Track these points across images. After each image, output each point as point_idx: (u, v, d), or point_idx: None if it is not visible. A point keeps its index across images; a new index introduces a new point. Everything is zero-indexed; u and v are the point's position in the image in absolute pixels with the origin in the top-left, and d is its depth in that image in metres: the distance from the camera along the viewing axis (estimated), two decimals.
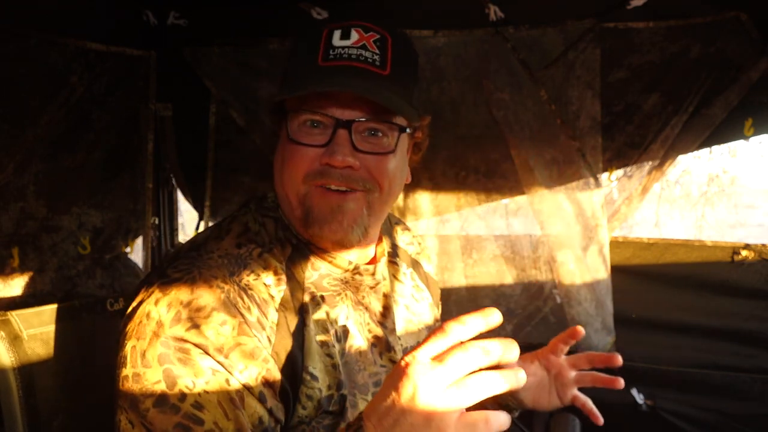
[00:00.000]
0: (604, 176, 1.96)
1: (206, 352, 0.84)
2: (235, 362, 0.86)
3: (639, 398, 1.97)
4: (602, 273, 1.95)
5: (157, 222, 2.29)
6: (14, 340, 1.13)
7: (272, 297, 0.93)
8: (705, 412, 1.91)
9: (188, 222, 4.33)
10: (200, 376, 0.83)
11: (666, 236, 2.25)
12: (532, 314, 2.09)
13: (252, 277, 0.92)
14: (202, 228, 2.33)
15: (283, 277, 0.95)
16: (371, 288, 1.07)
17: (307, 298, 0.97)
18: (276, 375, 0.90)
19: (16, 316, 1.16)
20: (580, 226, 1.96)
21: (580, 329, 1.13)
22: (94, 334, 1.25)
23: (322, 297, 0.99)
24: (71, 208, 1.98)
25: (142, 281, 0.95)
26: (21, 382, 1.11)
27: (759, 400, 1.85)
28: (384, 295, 1.09)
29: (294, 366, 0.92)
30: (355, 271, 1.04)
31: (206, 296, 0.87)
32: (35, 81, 1.76)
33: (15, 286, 1.82)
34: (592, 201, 1.94)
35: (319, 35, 0.97)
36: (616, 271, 1.97)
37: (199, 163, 2.25)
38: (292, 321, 0.94)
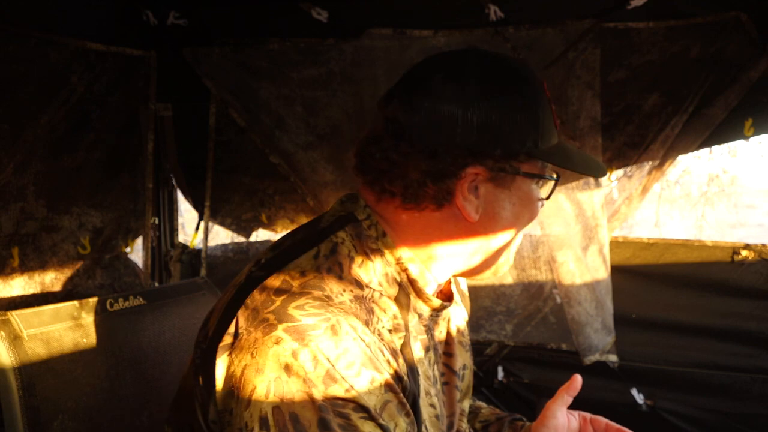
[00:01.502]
0: (604, 176, 1.96)
1: (366, 414, 0.78)
2: (389, 420, 0.81)
3: (639, 398, 1.97)
4: (602, 273, 1.95)
5: (157, 222, 2.29)
6: (14, 340, 1.13)
7: (397, 346, 0.87)
8: (705, 412, 1.91)
9: (188, 222, 4.34)
10: None
11: (666, 236, 2.25)
12: (533, 314, 2.09)
13: (381, 324, 0.86)
14: (202, 228, 2.33)
15: (401, 322, 0.90)
16: (443, 320, 1.05)
17: (413, 342, 0.92)
18: (414, 428, 0.86)
19: (16, 316, 1.16)
20: (580, 226, 1.96)
21: (578, 379, 1.10)
22: (94, 334, 1.25)
23: (421, 341, 0.95)
24: (71, 208, 1.98)
25: (249, 315, 0.84)
26: (21, 382, 1.10)
27: (759, 400, 1.86)
28: (449, 321, 1.07)
29: (414, 414, 0.88)
30: (442, 308, 0.99)
31: (352, 351, 0.79)
32: (35, 81, 1.76)
33: (15, 286, 1.82)
34: (592, 201, 1.94)
35: (543, 89, 0.93)
36: (616, 271, 1.97)
37: (199, 163, 2.25)
38: (411, 371, 0.89)
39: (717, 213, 7.30)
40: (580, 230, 1.96)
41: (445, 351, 1.04)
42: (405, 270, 0.93)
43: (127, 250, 2.23)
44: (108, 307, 1.30)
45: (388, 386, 0.81)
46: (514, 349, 2.10)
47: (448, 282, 1.07)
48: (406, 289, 0.94)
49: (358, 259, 0.90)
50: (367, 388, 0.79)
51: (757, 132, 1.80)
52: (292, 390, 0.77)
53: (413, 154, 0.89)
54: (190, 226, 2.55)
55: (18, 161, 1.77)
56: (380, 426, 0.79)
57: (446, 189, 0.90)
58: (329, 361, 0.78)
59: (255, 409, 0.78)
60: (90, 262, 2.06)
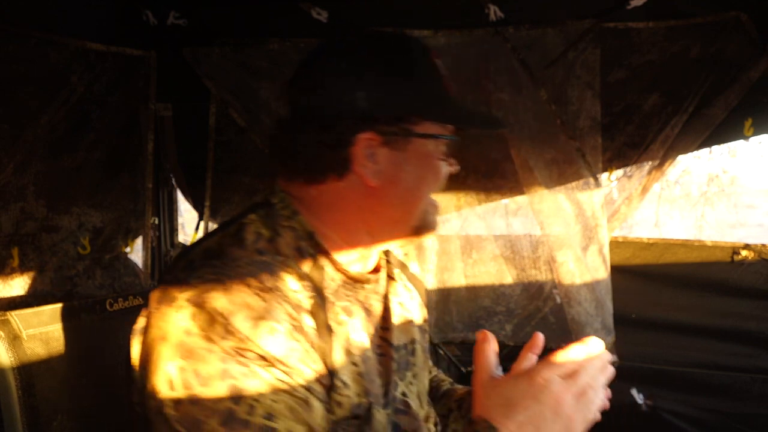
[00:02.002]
0: (603, 176, 1.96)
1: (266, 362, 0.82)
2: (294, 367, 0.84)
3: (639, 398, 1.97)
4: (602, 273, 1.95)
5: (157, 222, 2.29)
6: (14, 340, 1.13)
7: (302, 303, 0.91)
8: (705, 412, 1.91)
9: (188, 222, 4.34)
10: (266, 387, 0.81)
11: (666, 236, 2.25)
12: (532, 314, 2.09)
13: (283, 283, 0.90)
14: (202, 228, 2.33)
15: (308, 284, 0.94)
16: (376, 293, 1.08)
17: (329, 306, 0.97)
18: (325, 376, 0.90)
19: (15, 316, 1.16)
20: (579, 226, 1.96)
21: (540, 337, 1.08)
22: (93, 334, 1.25)
23: (342, 307, 0.99)
24: (71, 208, 1.98)
25: (157, 294, 0.90)
26: (20, 382, 1.10)
27: (759, 400, 1.85)
28: (384, 297, 1.10)
29: (326, 371, 0.92)
30: (366, 281, 1.05)
31: (248, 305, 0.84)
32: (35, 81, 1.76)
33: (15, 286, 1.82)
34: (592, 201, 1.94)
35: (431, 59, 1.02)
36: (616, 271, 1.97)
37: (199, 163, 2.25)
38: (321, 328, 0.92)
39: (717, 213, 7.30)
40: (579, 230, 1.96)
41: (382, 326, 1.08)
42: (319, 243, 0.99)
43: (127, 250, 2.23)
44: (108, 307, 1.30)
45: (290, 335, 0.85)
46: (514, 349, 2.09)
47: (380, 258, 1.13)
48: (320, 260, 0.99)
49: (266, 235, 0.96)
50: (266, 339, 0.83)
51: (757, 132, 1.80)
52: (193, 348, 0.82)
53: (310, 129, 0.97)
54: (190, 226, 2.55)
55: (18, 161, 1.77)
56: (282, 371, 0.83)
57: (343, 157, 0.96)
58: (225, 317, 0.82)
59: (162, 374, 0.83)
60: (90, 262, 2.06)
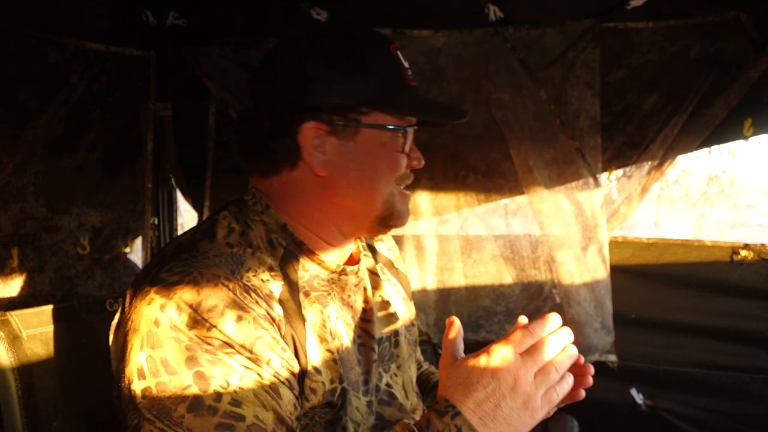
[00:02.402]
0: (603, 176, 1.96)
1: (232, 350, 0.84)
2: (261, 354, 0.86)
3: (638, 398, 1.97)
4: (602, 273, 1.95)
5: (156, 222, 2.29)
6: (13, 340, 1.12)
7: (272, 292, 0.94)
8: (704, 412, 1.91)
9: (188, 222, 4.34)
10: (232, 373, 0.83)
11: (665, 236, 2.25)
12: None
13: (251, 273, 0.92)
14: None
15: (279, 273, 0.97)
16: (355, 286, 1.10)
17: (302, 296, 0.99)
18: (294, 364, 0.92)
19: (15, 317, 1.16)
20: (579, 226, 1.96)
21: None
22: (93, 334, 1.25)
23: (317, 296, 1.01)
24: (71, 208, 1.98)
25: (131, 289, 0.93)
26: (20, 382, 1.10)
27: (758, 400, 1.86)
28: (364, 289, 1.13)
29: (298, 359, 0.94)
30: (342, 272, 1.07)
31: (213, 295, 0.86)
32: (35, 81, 1.76)
33: (14, 286, 1.82)
34: (592, 201, 1.94)
35: (389, 52, 1.03)
36: (616, 271, 1.97)
37: (199, 163, 2.25)
38: (293, 316, 0.95)
39: (716, 213, 7.30)
40: (579, 230, 1.96)
41: (362, 317, 1.09)
42: (291, 235, 1.02)
43: (127, 250, 2.23)
44: (108, 307, 1.30)
45: (256, 323, 0.87)
46: None
47: (358, 251, 1.16)
48: (294, 251, 1.02)
49: (238, 230, 1.00)
50: (232, 327, 0.85)
51: (757, 132, 1.80)
52: (161, 338, 0.84)
53: (262, 121, 1.00)
54: (190, 226, 2.55)
55: (17, 161, 1.76)
56: (248, 358, 0.85)
57: (292, 147, 0.99)
58: (191, 307, 0.85)
59: (133, 364, 0.85)
60: (89, 263, 2.05)
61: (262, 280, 0.93)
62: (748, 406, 1.86)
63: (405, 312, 1.24)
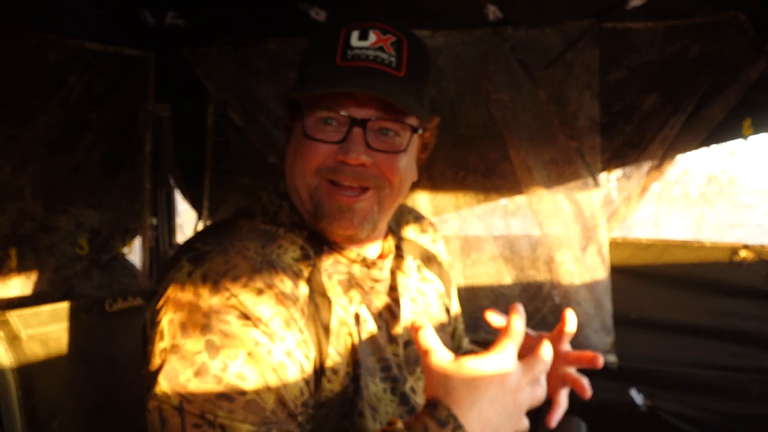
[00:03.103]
0: (602, 176, 1.96)
1: (249, 322, 0.85)
2: (275, 331, 0.87)
3: (638, 398, 1.97)
4: (601, 273, 1.95)
5: (155, 222, 2.28)
6: (13, 340, 1.12)
7: (301, 271, 0.95)
8: (704, 413, 1.91)
9: (187, 222, 4.33)
10: (243, 347, 0.84)
11: (665, 236, 2.25)
12: (531, 314, 2.09)
13: (282, 250, 0.94)
14: (200, 229, 2.33)
15: (311, 252, 0.99)
16: (376, 281, 1.09)
17: (326, 278, 1.00)
18: (311, 346, 0.92)
19: (14, 317, 1.16)
20: (578, 227, 1.96)
21: (571, 316, 1.10)
22: (92, 334, 1.25)
23: (339, 280, 1.02)
24: (69, 209, 1.98)
25: (171, 260, 0.95)
26: (20, 382, 1.10)
27: (757, 400, 1.85)
28: (390, 288, 1.12)
29: (320, 340, 0.94)
30: (363, 263, 1.06)
31: (241, 266, 0.88)
32: (33, 81, 1.76)
33: (13, 286, 1.82)
34: (591, 201, 1.94)
35: (337, 35, 0.99)
36: (615, 271, 1.97)
37: (198, 164, 2.25)
38: (318, 297, 0.96)
39: (716, 213, 7.31)
40: (578, 231, 1.96)
41: (386, 314, 1.09)
42: (309, 224, 1.03)
43: (125, 250, 2.22)
44: (106, 307, 1.30)
45: (278, 300, 0.88)
46: None
47: (390, 249, 1.13)
48: (316, 237, 1.03)
49: (272, 210, 1.03)
50: (253, 299, 0.86)
51: (756, 132, 1.80)
52: (183, 302, 0.86)
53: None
54: (189, 227, 2.55)
55: (16, 161, 1.76)
56: (263, 332, 0.86)
57: (287, 137, 1.05)
58: (217, 275, 0.87)
59: (157, 328, 0.87)
60: (88, 263, 2.05)
61: (292, 259, 0.95)
62: (747, 407, 1.86)
63: (440, 311, 1.21)
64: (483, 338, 2.11)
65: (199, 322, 0.84)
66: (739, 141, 1.86)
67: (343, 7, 1.90)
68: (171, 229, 2.37)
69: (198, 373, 0.82)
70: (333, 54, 0.97)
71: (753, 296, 1.86)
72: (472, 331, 2.12)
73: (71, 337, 1.22)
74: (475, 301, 2.14)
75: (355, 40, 0.99)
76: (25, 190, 1.81)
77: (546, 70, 1.89)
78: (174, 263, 0.92)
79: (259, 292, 0.87)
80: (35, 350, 1.15)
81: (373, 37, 0.99)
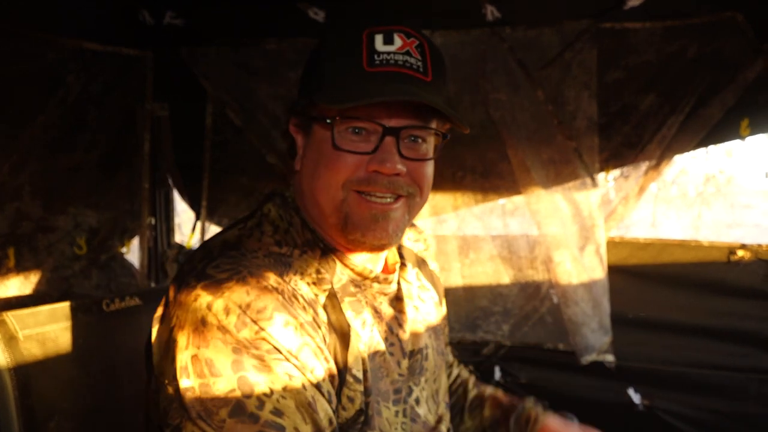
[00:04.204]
0: (600, 176, 1.96)
1: (280, 355, 0.82)
2: (306, 363, 0.84)
3: (636, 398, 1.97)
4: (599, 273, 1.95)
5: (153, 222, 2.28)
6: (10, 340, 1.12)
7: (317, 296, 0.92)
8: (701, 412, 1.91)
9: (185, 222, 4.33)
10: (277, 382, 0.81)
11: (663, 236, 2.25)
12: (529, 314, 2.09)
13: (298, 276, 0.90)
14: (198, 228, 2.33)
15: (326, 276, 0.95)
16: (385, 294, 1.06)
17: (338, 301, 0.97)
18: (335, 375, 0.90)
19: (11, 317, 1.16)
20: (576, 226, 1.96)
21: None
22: (90, 334, 1.25)
23: (350, 302, 0.99)
24: (67, 209, 1.97)
25: (176, 283, 0.90)
26: (17, 382, 1.10)
27: (755, 400, 1.86)
28: (397, 299, 1.09)
29: (339, 366, 0.92)
30: (374, 279, 1.03)
31: (263, 298, 0.84)
32: (31, 80, 1.76)
33: (11, 286, 1.82)
34: (589, 201, 1.94)
35: (358, 38, 0.94)
36: (613, 271, 1.97)
37: (196, 163, 2.25)
38: (336, 321, 0.93)
39: (713, 213, 7.32)
40: (576, 230, 1.96)
41: (394, 330, 1.06)
42: (322, 239, 0.99)
43: (124, 250, 2.22)
44: (104, 307, 1.29)
45: (303, 330, 0.85)
46: (511, 350, 2.10)
47: (395, 260, 1.11)
48: (329, 254, 0.99)
49: (282, 227, 0.98)
50: (281, 332, 0.83)
51: (754, 132, 1.80)
52: (207, 338, 0.82)
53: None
54: (187, 227, 2.55)
55: (14, 161, 1.76)
56: (294, 366, 0.83)
57: (289, 143, 1.01)
58: (240, 308, 0.82)
59: (178, 362, 0.84)
60: (86, 263, 2.05)
61: (308, 284, 0.91)
62: (745, 406, 1.87)
63: (436, 318, 1.19)
64: (481, 338, 2.11)
65: (229, 358, 0.81)
66: (736, 141, 1.86)
67: (342, 7, 1.90)
68: (169, 228, 2.37)
69: (233, 413, 0.79)
70: (358, 59, 0.92)
71: (750, 296, 1.87)
72: (469, 331, 2.12)
73: (69, 337, 1.22)
74: (474, 300, 2.14)
75: (380, 44, 0.94)
76: (23, 189, 1.81)
77: (544, 70, 1.89)
78: (186, 290, 0.86)
79: (286, 323, 0.84)
80: (32, 350, 1.15)
81: (398, 41, 0.95)
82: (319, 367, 0.86)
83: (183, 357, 0.83)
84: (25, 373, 1.12)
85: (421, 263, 1.23)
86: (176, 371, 0.84)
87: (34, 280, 1.88)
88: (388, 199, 0.95)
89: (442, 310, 1.25)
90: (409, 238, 1.24)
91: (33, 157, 1.81)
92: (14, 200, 1.79)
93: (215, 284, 0.85)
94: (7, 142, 1.73)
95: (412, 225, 1.29)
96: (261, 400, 0.80)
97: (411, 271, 1.17)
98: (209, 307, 0.83)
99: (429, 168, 0.99)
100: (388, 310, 1.06)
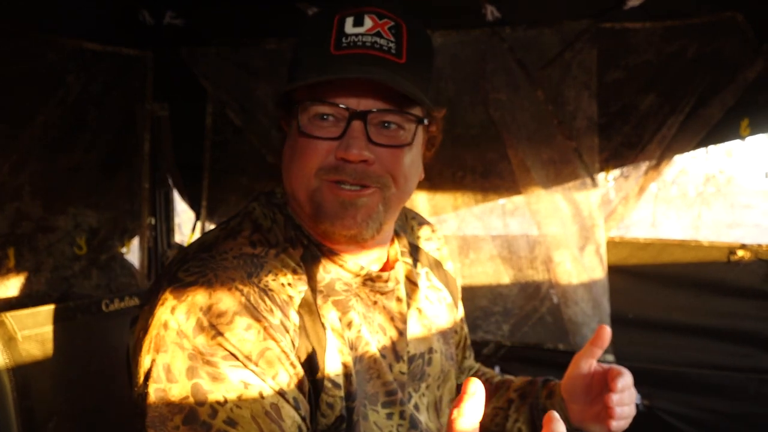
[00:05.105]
0: (600, 176, 1.96)
1: (237, 362, 0.79)
2: (265, 369, 0.81)
3: (636, 398, 1.97)
4: (599, 273, 1.95)
5: (153, 222, 2.28)
6: (9, 341, 1.12)
7: (291, 298, 0.88)
8: (702, 412, 1.91)
9: (185, 222, 4.33)
10: (231, 390, 0.78)
11: (663, 236, 2.26)
12: (529, 314, 2.09)
13: (270, 277, 0.87)
14: (198, 228, 2.33)
15: (304, 277, 0.91)
16: (382, 294, 1.01)
17: (320, 301, 0.92)
18: (304, 380, 0.86)
19: (11, 317, 1.15)
20: (576, 226, 1.96)
21: (606, 330, 1.10)
22: (89, 335, 1.25)
23: (336, 301, 0.94)
24: (67, 209, 1.97)
25: (153, 287, 0.89)
26: (16, 383, 1.10)
27: (755, 400, 1.86)
28: (397, 299, 1.03)
29: (314, 371, 0.88)
30: (367, 276, 0.98)
31: (226, 300, 0.81)
32: (31, 80, 1.76)
33: (10, 286, 1.82)
34: (589, 201, 1.94)
35: (329, 22, 0.91)
36: (613, 271, 1.97)
37: (196, 163, 2.25)
38: (311, 324, 0.89)
39: (713, 213, 7.32)
40: (576, 230, 1.96)
41: (392, 329, 1.01)
42: (308, 236, 0.95)
43: (124, 250, 2.22)
44: (104, 307, 1.29)
45: (267, 334, 0.82)
46: (511, 350, 2.09)
47: (395, 257, 1.05)
48: (315, 251, 0.95)
49: (265, 225, 0.95)
50: (240, 336, 0.80)
51: (754, 132, 1.80)
52: (167, 342, 0.80)
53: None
54: (187, 227, 2.55)
55: (14, 161, 1.76)
56: (252, 372, 0.80)
57: (282, 137, 0.98)
58: (201, 311, 0.81)
59: (141, 367, 0.83)
60: (86, 263, 2.05)
61: (282, 285, 0.87)
62: (745, 406, 1.86)
63: (446, 321, 1.14)
64: (481, 338, 2.11)
65: (185, 365, 0.79)
66: (736, 141, 1.86)
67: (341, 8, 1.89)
68: (169, 228, 2.37)
69: (187, 420, 0.77)
70: (326, 43, 0.89)
71: (750, 296, 1.87)
72: (470, 331, 2.12)
73: (68, 338, 1.21)
74: (474, 300, 2.14)
75: (349, 26, 0.90)
76: (23, 189, 1.81)
77: (544, 70, 1.89)
78: (158, 293, 0.85)
79: (248, 327, 0.81)
80: (31, 351, 1.15)
81: (369, 22, 0.90)
82: (282, 372, 0.82)
83: (145, 361, 0.82)
84: (25, 373, 1.12)
85: (434, 263, 1.18)
86: (138, 375, 0.83)
87: (34, 280, 1.88)
88: (352, 186, 0.90)
89: (457, 313, 1.20)
90: (419, 237, 1.19)
91: (33, 157, 1.81)
92: (14, 200, 1.79)
93: (181, 288, 0.83)
94: (7, 142, 1.73)
95: (427, 223, 1.24)
96: (214, 408, 0.78)
97: (420, 271, 1.12)
98: (172, 311, 0.82)
99: (406, 156, 0.92)
100: (383, 311, 1.01)
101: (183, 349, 0.80)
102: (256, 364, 0.80)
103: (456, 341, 1.21)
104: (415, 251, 1.14)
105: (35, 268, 1.88)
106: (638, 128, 1.90)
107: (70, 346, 1.21)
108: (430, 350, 1.07)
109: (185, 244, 2.39)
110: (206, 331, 0.80)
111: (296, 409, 0.83)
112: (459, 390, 1.19)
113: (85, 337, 1.24)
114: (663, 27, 1.78)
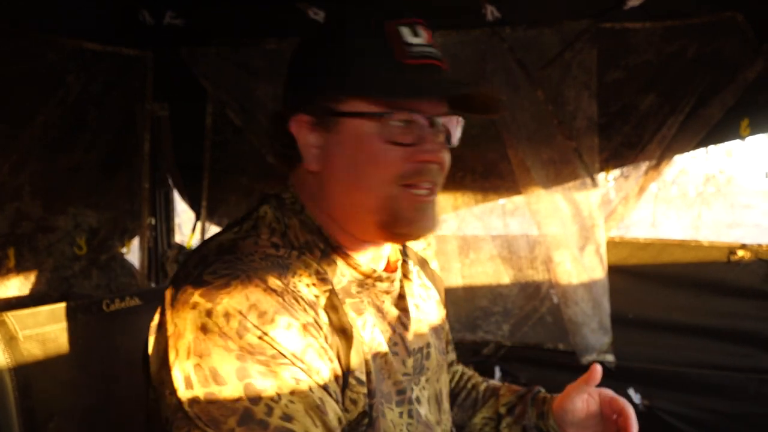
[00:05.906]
0: (600, 176, 1.96)
1: (285, 359, 0.80)
2: (311, 364, 0.82)
3: (636, 398, 1.97)
4: (599, 273, 1.95)
5: (153, 222, 2.28)
6: (10, 341, 1.12)
7: (317, 298, 0.89)
8: (701, 412, 1.91)
9: (185, 222, 4.33)
10: (284, 387, 0.80)
11: (663, 236, 2.26)
12: (529, 314, 2.09)
13: (297, 278, 0.87)
14: (198, 228, 2.33)
15: (327, 277, 0.92)
16: (388, 293, 1.04)
17: (339, 302, 0.94)
18: (339, 375, 0.88)
19: (11, 317, 1.15)
20: (576, 226, 1.96)
21: (598, 370, 1.17)
22: (89, 335, 1.25)
23: (352, 303, 0.97)
24: (67, 209, 1.98)
25: (171, 291, 0.88)
26: (16, 383, 1.10)
27: (755, 400, 1.86)
28: (399, 296, 1.07)
29: (342, 369, 0.90)
30: (377, 278, 1.01)
31: (264, 301, 0.82)
32: (31, 80, 1.76)
33: (11, 286, 1.82)
34: (589, 201, 1.94)
35: (381, 31, 0.92)
36: (613, 271, 1.97)
37: (196, 163, 2.25)
38: (338, 323, 0.91)
39: (713, 213, 7.32)
40: (576, 230, 1.96)
41: (397, 328, 1.04)
42: (328, 237, 0.97)
43: (124, 250, 2.22)
44: (104, 307, 1.29)
45: (306, 332, 0.83)
46: (511, 350, 2.10)
47: (396, 258, 1.08)
48: (331, 255, 0.96)
49: (279, 229, 0.95)
50: (283, 335, 0.81)
51: (754, 132, 1.80)
52: (209, 346, 0.80)
53: (272, 118, 0.98)
54: (187, 227, 2.55)
55: (14, 161, 1.76)
56: (300, 369, 0.81)
57: (288, 141, 0.95)
58: (241, 313, 0.80)
59: (179, 372, 0.82)
60: (86, 263, 2.05)
61: (308, 285, 0.89)
62: (745, 406, 1.87)
63: (437, 317, 1.17)
64: (481, 338, 2.12)
65: (233, 366, 0.79)
66: (736, 141, 1.86)
67: (341, 7, 1.89)
68: (169, 228, 2.37)
69: (242, 422, 0.78)
70: (389, 51, 0.90)
71: (750, 296, 1.87)
72: (469, 332, 2.12)
73: (69, 338, 1.21)
74: (474, 300, 2.14)
75: (408, 36, 0.92)
76: (23, 189, 1.81)
77: (544, 70, 1.89)
78: (183, 297, 0.85)
79: (288, 326, 0.82)
80: (32, 351, 1.15)
81: (423, 33, 0.94)
82: (324, 367, 0.84)
83: (185, 367, 0.82)
84: (25, 373, 1.11)
85: (422, 261, 1.22)
86: (178, 381, 0.82)
87: (34, 281, 1.88)
88: (426, 190, 0.94)
89: (443, 310, 1.23)
90: None
91: (33, 157, 1.81)
92: (14, 200, 1.79)
93: (213, 290, 0.83)
94: (7, 142, 1.73)
95: None
96: (269, 406, 0.79)
97: (413, 268, 1.15)
98: (209, 314, 0.81)
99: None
100: (391, 309, 1.04)
101: (229, 350, 0.80)
102: (302, 361, 0.82)
103: (444, 339, 1.24)
104: (405, 249, 1.17)
105: (35, 268, 1.88)
106: (638, 128, 1.90)
107: (72, 345, 1.21)
108: (428, 345, 1.11)
109: (185, 244, 2.39)
110: (251, 331, 0.80)
111: (337, 402, 0.85)
112: (449, 382, 1.24)
113: (86, 336, 1.23)
114: (663, 27, 1.78)
